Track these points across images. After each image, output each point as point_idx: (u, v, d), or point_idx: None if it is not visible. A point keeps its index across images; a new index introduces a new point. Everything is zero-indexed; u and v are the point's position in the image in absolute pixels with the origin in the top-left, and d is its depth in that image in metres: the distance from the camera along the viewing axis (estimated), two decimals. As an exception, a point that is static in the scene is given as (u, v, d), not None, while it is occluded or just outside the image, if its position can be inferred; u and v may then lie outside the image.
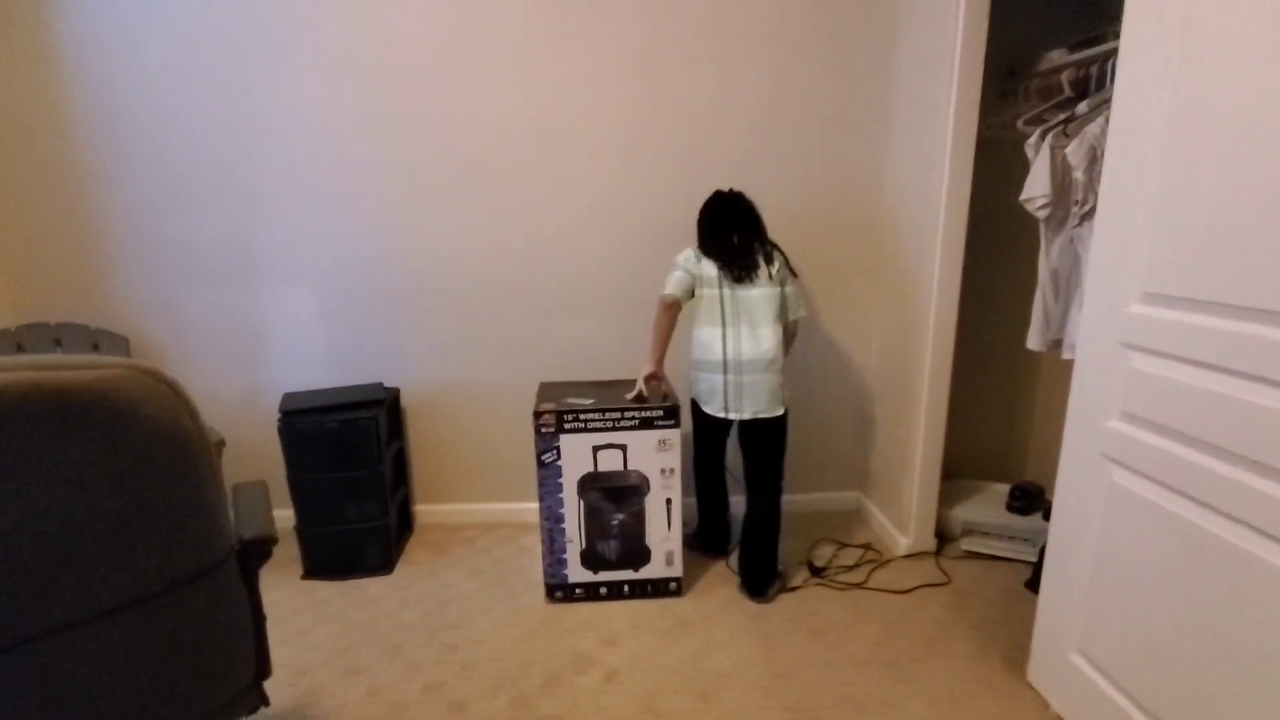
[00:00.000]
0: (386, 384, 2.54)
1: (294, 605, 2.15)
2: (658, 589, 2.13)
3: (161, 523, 0.83)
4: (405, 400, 2.57)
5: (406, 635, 1.98)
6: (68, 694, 0.82)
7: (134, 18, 2.21)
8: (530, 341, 2.54)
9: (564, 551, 2.08)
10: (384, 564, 2.34)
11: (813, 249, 2.50)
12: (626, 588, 2.12)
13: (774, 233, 2.27)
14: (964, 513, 2.41)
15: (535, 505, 2.57)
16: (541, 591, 2.16)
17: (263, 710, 1.18)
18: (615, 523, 2.07)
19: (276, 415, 2.22)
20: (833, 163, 2.44)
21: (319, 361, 2.52)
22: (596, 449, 2.01)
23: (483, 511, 2.70)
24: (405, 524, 2.60)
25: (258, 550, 1.06)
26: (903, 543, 2.37)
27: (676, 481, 2.06)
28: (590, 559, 2.09)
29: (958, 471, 2.74)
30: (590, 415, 1.99)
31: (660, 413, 2.01)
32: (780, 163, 2.42)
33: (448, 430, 2.61)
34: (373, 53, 2.28)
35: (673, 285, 2.01)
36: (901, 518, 2.40)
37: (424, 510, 2.69)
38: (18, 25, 2.20)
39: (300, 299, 2.47)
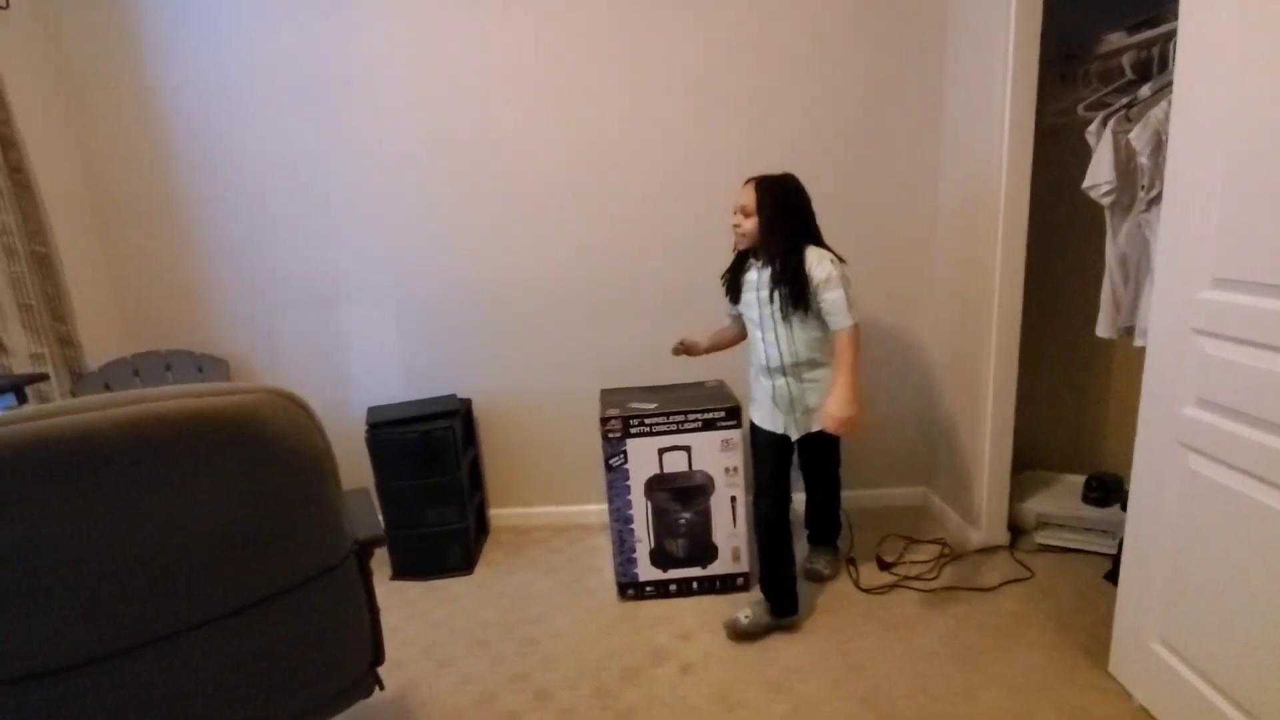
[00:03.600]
0: (459, 395, 2.69)
1: (385, 604, 2.29)
2: (726, 585, 2.19)
3: (296, 527, 0.95)
4: (476, 410, 2.72)
5: (490, 631, 2.10)
6: (225, 673, 0.95)
7: (223, 66, 2.43)
8: (589, 349, 2.64)
9: (634, 551, 2.16)
10: (465, 564, 2.48)
11: (868, 243, 2.51)
12: (695, 584, 2.19)
13: (829, 232, 2.28)
14: (1038, 505, 2.37)
15: (601, 507, 2.66)
16: (614, 589, 2.25)
17: (376, 694, 1.30)
18: (682, 522, 2.14)
19: (362, 427, 2.39)
20: (886, 157, 2.45)
21: (397, 376, 2.69)
22: (662, 451, 2.08)
23: (552, 514, 2.82)
24: (481, 527, 2.74)
25: (370, 549, 1.18)
26: (974, 537, 2.35)
27: (740, 479, 2.12)
28: (659, 557, 2.17)
29: (1029, 463, 2.68)
30: (655, 419, 2.06)
31: (722, 414, 2.07)
32: (831, 161, 2.44)
33: (516, 437, 2.74)
34: (435, 87, 2.43)
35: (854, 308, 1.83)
36: (972, 512, 2.38)
37: (498, 514, 2.82)
38: (124, 73, 2.44)
39: (379, 319, 2.64)
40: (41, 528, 0.82)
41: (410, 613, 2.24)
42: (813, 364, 1.89)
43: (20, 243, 2.14)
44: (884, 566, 2.27)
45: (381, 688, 1.25)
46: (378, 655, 1.21)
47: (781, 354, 1.89)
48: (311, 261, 2.60)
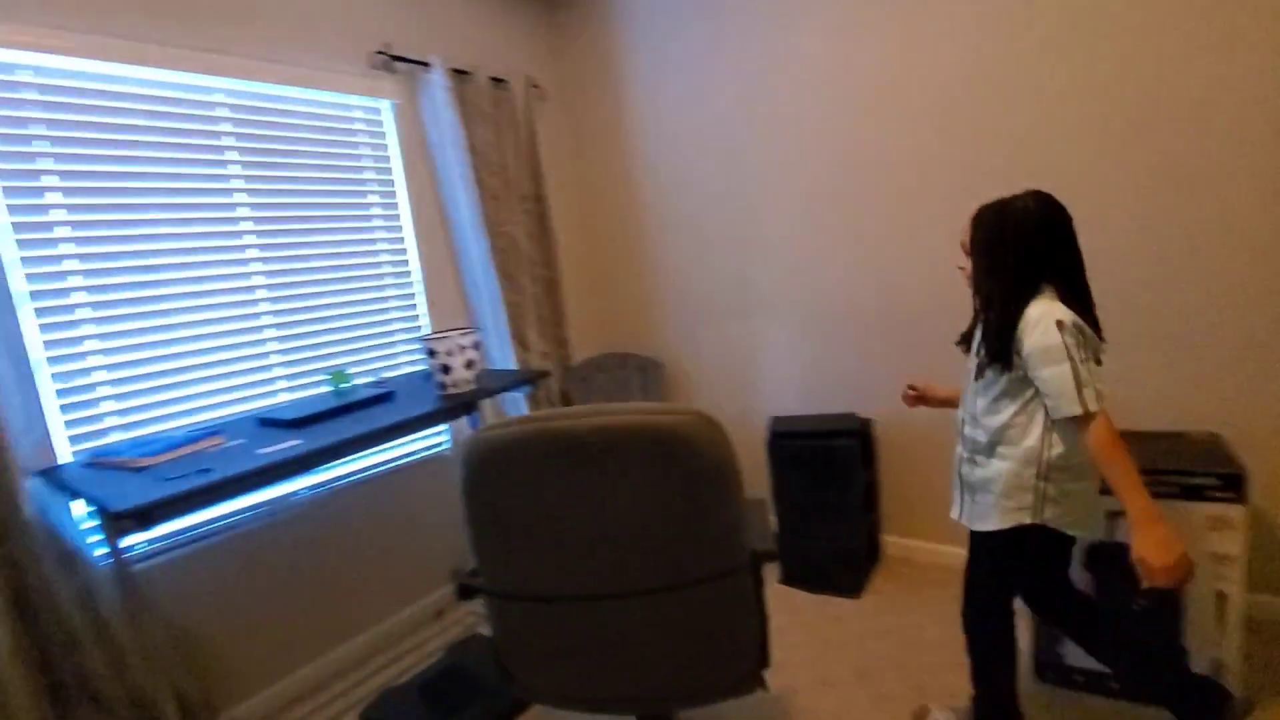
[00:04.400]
0: (858, 414, 2.64)
1: (773, 606, 2.40)
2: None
3: (709, 528, 1.09)
4: (877, 432, 2.63)
5: (875, 663, 2.03)
6: (649, 636, 1.15)
7: (675, 126, 2.89)
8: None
9: (1060, 625, 1.80)
10: (851, 587, 2.44)
11: None
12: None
13: None
14: None
15: (1020, 561, 2.30)
16: (1029, 664, 1.91)
17: (760, 693, 1.39)
18: (1137, 608, 1.69)
19: (762, 435, 2.56)
20: None
21: (795, 388, 2.80)
22: (1112, 515, 1.68)
23: (954, 555, 2.54)
24: (871, 551, 2.65)
25: (763, 560, 1.27)
26: None
27: (1236, 572, 1.57)
28: (1097, 642, 1.76)
29: None
30: (1101, 473, 1.68)
31: (1213, 480, 1.56)
32: None
33: (918, 466, 2.57)
34: (845, 110, 2.46)
35: (1096, 389, 1.31)
36: None
37: (891, 541, 2.69)
38: (608, 140, 3.12)
39: (786, 332, 2.80)
40: (546, 496, 1.12)
41: (795, 620, 2.32)
42: (991, 449, 1.49)
43: (540, 270, 2.93)
44: None
45: (766, 689, 1.33)
46: (764, 658, 1.29)
47: (963, 414, 1.60)
48: (731, 278, 2.90)
